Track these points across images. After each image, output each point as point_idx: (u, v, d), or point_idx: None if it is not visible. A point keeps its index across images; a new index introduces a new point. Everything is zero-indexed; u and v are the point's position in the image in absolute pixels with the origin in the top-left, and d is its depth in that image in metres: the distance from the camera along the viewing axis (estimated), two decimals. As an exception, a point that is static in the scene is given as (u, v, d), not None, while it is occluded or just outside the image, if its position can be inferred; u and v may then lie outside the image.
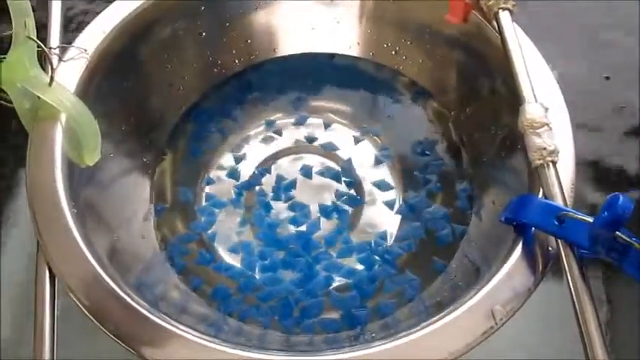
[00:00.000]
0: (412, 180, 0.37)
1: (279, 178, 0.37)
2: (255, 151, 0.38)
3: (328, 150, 0.38)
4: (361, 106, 0.39)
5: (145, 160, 0.36)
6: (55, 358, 0.25)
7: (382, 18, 0.38)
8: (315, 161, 0.38)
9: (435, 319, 0.26)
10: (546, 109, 0.29)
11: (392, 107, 0.39)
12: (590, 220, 0.24)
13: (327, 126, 0.39)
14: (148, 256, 0.33)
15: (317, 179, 0.37)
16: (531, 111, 0.28)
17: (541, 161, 0.27)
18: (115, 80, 0.34)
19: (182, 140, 0.38)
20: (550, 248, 0.27)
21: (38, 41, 0.29)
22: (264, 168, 0.37)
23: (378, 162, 0.37)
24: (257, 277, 0.34)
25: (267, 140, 0.38)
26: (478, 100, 0.35)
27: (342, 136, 0.38)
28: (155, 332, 0.25)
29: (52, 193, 0.28)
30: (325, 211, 0.36)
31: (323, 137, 0.38)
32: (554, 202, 0.26)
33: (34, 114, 0.31)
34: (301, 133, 0.39)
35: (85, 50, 0.32)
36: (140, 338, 0.25)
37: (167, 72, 0.37)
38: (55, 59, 0.32)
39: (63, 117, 0.31)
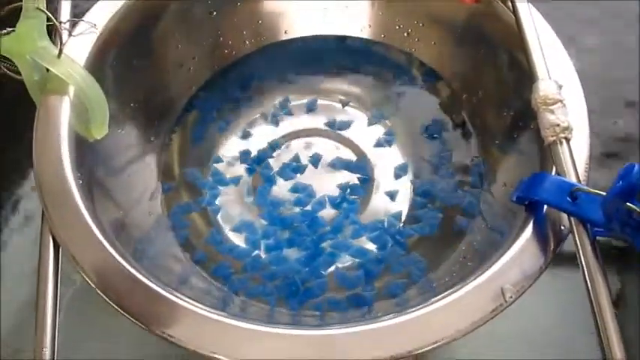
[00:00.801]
0: (423, 162, 0.36)
1: (288, 159, 0.36)
2: (264, 133, 0.38)
3: (338, 132, 0.38)
4: (372, 88, 0.39)
5: (152, 138, 0.36)
6: (57, 326, 0.25)
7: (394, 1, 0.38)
8: (326, 144, 0.37)
9: (442, 295, 0.25)
10: (560, 86, 0.28)
11: (403, 90, 0.38)
12: (604, 194, 0.23)
13: (337, 108, 0.38)
14: (153, 233, 0.33)
15: (326, 161, 0.37)
16: (544, 87, 0.28)
17: (554, 138, 0.27)
18: (125, 57, 0.34)
19: (191, 120, 0.38)
20: (562, 227, 0.26)
21: (48, 13, 0.29)
22: (272, 149, 0.37)
23: (388, 144, 0.37)
24: (262, 255, 0.33)
25: (276, 122, 0.38)
26: (490, 81, 0.35)
27: (352, 119, 0.38)
28: (161, 305, 0.25)
29: (58, 164, 0.28)
30: (334, 194, 0.35)
31: (333, 120, 0.38)
32: (567, 179, 0.25)
33: (43, 86, 0.31)
34: (311, 115, 0.38)
35: (95, 25, 0.32)
36: (146, 310, 0.25)
37: (177, 51, 0.37)
38: (64, 34, 0.32)
39: (71, 90, 0.30)
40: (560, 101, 0.27)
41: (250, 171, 0.36)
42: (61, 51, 0.30)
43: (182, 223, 0.34)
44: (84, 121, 0.31)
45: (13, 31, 0.30)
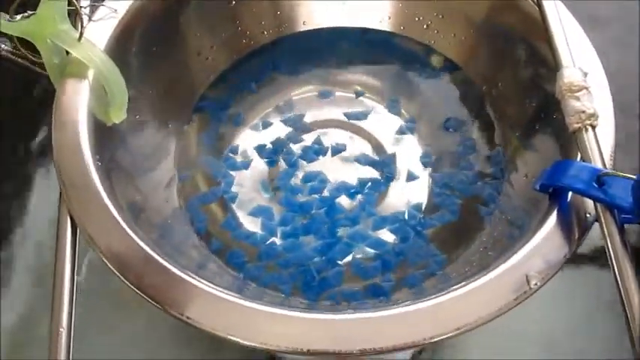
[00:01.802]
0: (443, 154, 0.36)
1: (306, 148, 0.36)
2: (281, 123, 0.38)
3: (356, 123, 0.37)
4: (391, 80, 0.38)
5: (170, 125, 0.36)
6: (74, 308, 0.25)
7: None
8: (344, 135, 0.37)
9: (464, 283, 0.25)
10: (585, 74, 0.28)
11: (423, 82, 0.38)
12: (634, 177, 0.22)
13: (354, 100, 0.38)
14: (171, 220, 0.33)
15: (345, 154, 0.36)
16: (569, 74, 0.27)
17: (579, 124, 0.26)
18: (145, 43, 0.34)
19: (209, 109, 0.37)
20: (587, 215, 0.26)
21: (69, -6, 0.29)
22: (290, 139, 0.37)
23: (408, 135, 0.37)
24: (278, 242, 0.33)
25: (294, 112, 0.38)
26: (511, 73, 0.34)
27: (370, 110, 0.38)
28: (178, 286, 0.25)
29: (76, 145, 0.28)
30: (352, 185, 0.35)
31: (352, 111, 0.38)
32: (593, 165, 0.25)
33: (63, 70, 0.31)
34: (330, 107, 0.38)
35: (116, 10, 0.32)
36: (162, 291, 0.25)
37: (196, 40, 0.37)
38: (85, 18, 0.32)
39: (90, 74, 0.30)
40: (586, 88, 0.27)
41: (270, 162, 0.36)
42: (81, 34, 0.30)
43: (199, 212, 0.34)
44: (103, 105, 0.31)
45: (34, 14, 0.30)
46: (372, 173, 0.35)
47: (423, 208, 0.34)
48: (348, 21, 0.39)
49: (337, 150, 0.36)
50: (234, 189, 0.35)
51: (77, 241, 0.26)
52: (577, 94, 0.27)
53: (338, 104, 0.38)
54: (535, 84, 0.32)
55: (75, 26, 0.30)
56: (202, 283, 0.25)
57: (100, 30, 0.32)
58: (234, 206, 0.34)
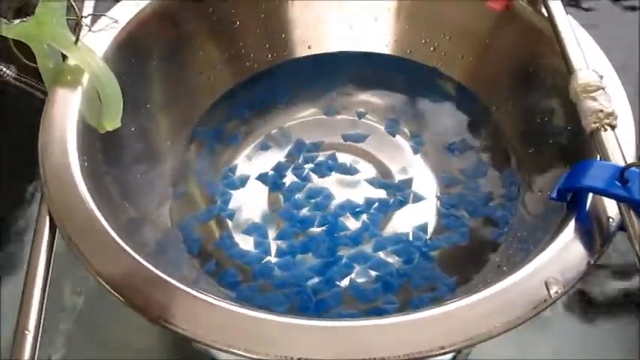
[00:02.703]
0: (452, 177, 0.34)
1: (319, 163, 0.35)
2: (282, 144, 0.36)
3: (361, 146, 0.36)
4: (398, 103, 0.37)
5: (168, 142, 0.34)
6: (43, 310, 0.22)
7: (420, 14, 0.37)
8: (350, 157, 0.35)
9: (479, 290, 0.22)
10: (601, 77, 0.26)
11: (430, 104, 0.37)
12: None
13: (361, 124, 0.37)
14: (160, 236, 0.31)
15: (356, 176, 0.35)
16: (584, 76, 0.26)
17: (597, 124, 0.24)
18: (144, 56, 0.33)
19: (208, 129, 0.36)
20: (611, 219, 0.23)
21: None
22: (291, 160, 0.35)
23: (416, 158, 0.35)
24: (273, 261, 0.31)
25: (296, 135, 0.36)
26: (521, 89, 0.33)
27: (376, 133, 0.36)
28: (159, 289, 0.22)
29: (63, 148, 0.27)
30: (358, 204, 0.33)
31: (357, 134, 0.36)
32: (615, 163, 0.23)
33: (56, 75, 0.30)
34: (334, 130, 0.37)
35: (117, 21, 0.32)
36: (146, 294, 0.22)
37: (198, 58, 0.36)
38: (85, 30, 0.31)
39: (85, 80, 0.30)
40: (602, 88, 0.25)
41: (273, 184, 0.34)
42: (78, 38, 0.29)
43: (193, 232, 0.32)
44: (96, 112, 0.30)
45: (32, 17, 0.29)
46: (379, 194, 0.34)
47: (431, 230, 0.32)
48: (354, 45, 0.39)
49: (348, 170, 0.35)
50: (231, 207, 0.33)
51: (54, 242, 0.24)
52: (593, 94, 0.25)
53: (343, 127, 0.37)
54: (546, 97, 0.31)
55: (74, 34, 0.30)
56: (185, 286, 0.22)
57: (99, 38, 0.31)
58: (230, 224, 0.33)
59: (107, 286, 0.22)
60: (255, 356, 0.21)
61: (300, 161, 0.35)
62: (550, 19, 0.29)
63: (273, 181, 0.34)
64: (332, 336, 0.21)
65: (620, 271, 0.35)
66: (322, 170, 0.35)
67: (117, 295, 0.22)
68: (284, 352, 0.21)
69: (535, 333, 0.33)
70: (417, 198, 0.33)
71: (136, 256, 0.23)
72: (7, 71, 0.44)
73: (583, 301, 0.34)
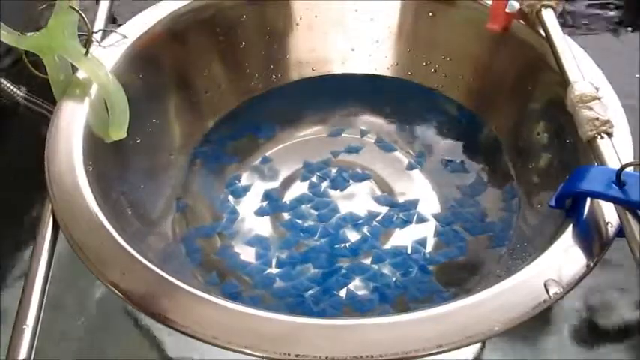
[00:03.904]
0: (451, 193, 0.34)
1: (335, 175, 0.35)
2: (286, 163, 0.37)
3: (365, 164, 0.36)
4: (399, 123, 0.38)
5: (172, 156, 0.35)
6: (43, 308, 0.22)
7: (421, 36, 0.38)
8: (351, 175, 0.36)
9: (477, 292, 0.22)
10: (597, 88, 0.27)
11: (431, 123, 0.38)
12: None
13: (363, 142, 0.37)
14: (162, 247, 0.31)
15: (350, 191, 0.35)
16: (580, 87, 0.27)
17: (593, 132, 0.25)
18: (152, 71, 0.34)
19: (213, 147, 0.37)
20: (609, 224, 0.24)
21: (79, 11, 0.30)
22: (293, 178, 0.36)
23: (417, 175, 0.35)
24: (274, 272, 0.31)
25: (300, 154, 0.37)
26: (519, 106, 0.34)
27: (379, 153, 0.37)
28: (162, 287, 0.23)
29: (69, 155, 0.27)
30: (360, 217, 0.33)
31: (358, 155, 0.37)
32: (611, 167, 0.23)
33: (66, 87, 0.31)
34: (336, 149, 0.37)
35: (126, 37, 0.33)
36: (146, 294, 0.22)
37: (204, 77, 0.37)
38: (95, 45, 0.32)
39: (93, 91, 0.30)
40: (598, 99, 0.26)
41: (270, 197, 0.35)
42: (88, 49, 0.30)
43: (195, 246, 0.32)
44: (102, 122, 0.30)
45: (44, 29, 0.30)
46: (383, 210, 0.34)
47: (429, 244, 0.32)
48: (357, 67, 0.40)
49: (350, 187, 0.35)
50: (235, 224, 0.33)
51: (56, 241, 0.24)
52: (589, 104, 0.26)
53: (346, 146, 0.37)
54: (544, 113, 0.32)
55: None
56: (188, 285, 0.22)
57: (108, 53, 0.32)
58: (232, 236, 0.33)
59: (110, 287, 0.23)
60: (254, 353, 0.21)
61: (301, 181, 0.36)
62: (547, 35, 0.30)
63: (276, 197, 0.35)
64: (330, 333, 0.21)
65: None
66: (327, 186, 0.35)
67: (118, 294, 0.22)
68: (283, 349, 0.21)
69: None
70: (421, 219, 0.33)
71: (137, 256, 0.23)
72: (18, 91, 0.45)
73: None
